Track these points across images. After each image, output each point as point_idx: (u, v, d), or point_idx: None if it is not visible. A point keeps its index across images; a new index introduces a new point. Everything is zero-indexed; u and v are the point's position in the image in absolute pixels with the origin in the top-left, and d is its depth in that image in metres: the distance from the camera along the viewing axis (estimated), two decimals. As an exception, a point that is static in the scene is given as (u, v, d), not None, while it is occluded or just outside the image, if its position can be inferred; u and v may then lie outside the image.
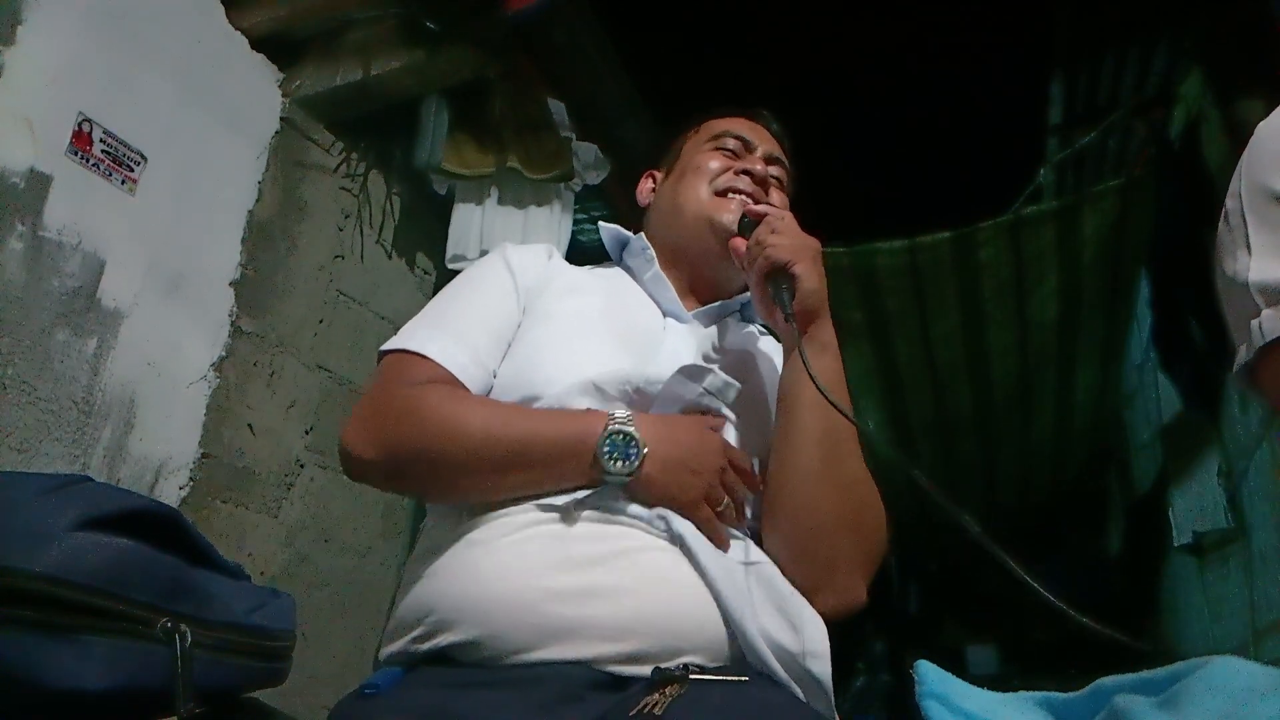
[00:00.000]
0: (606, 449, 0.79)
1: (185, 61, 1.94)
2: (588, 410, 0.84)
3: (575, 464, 0.80)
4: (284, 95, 2.20)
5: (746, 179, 1.03)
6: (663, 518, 0.80)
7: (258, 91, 2.15)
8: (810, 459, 0.84)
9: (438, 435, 0.81)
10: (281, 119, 2.18)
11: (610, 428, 0.80)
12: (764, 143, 1.09)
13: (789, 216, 0.95)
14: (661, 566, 0.77)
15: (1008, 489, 4.50)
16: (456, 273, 2.36)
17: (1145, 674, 0.50)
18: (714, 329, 1.03)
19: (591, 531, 0.79)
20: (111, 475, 1.73)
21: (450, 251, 2.39)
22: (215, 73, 2.02)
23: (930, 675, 0.58)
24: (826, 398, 0.79)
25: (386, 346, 0.92)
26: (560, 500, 0.80)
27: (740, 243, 0.95)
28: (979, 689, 0.58)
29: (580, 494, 0.80)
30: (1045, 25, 2.65)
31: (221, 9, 2.06)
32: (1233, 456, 2.78)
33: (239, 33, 2.10)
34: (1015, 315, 3.02)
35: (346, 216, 2.36)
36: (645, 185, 1.16)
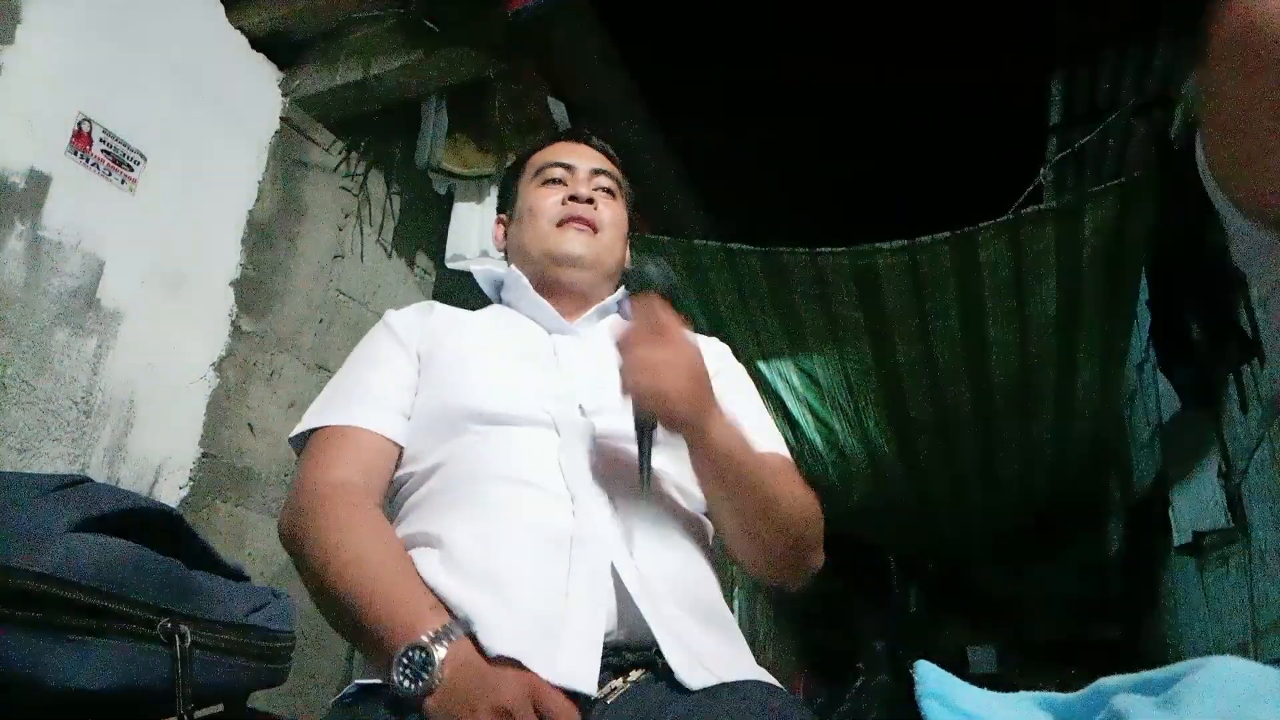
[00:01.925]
0: (399, 667, 0.71)
1: (185, 61, 1.94)
2: (432, 609, 0.76)
3: (380, 652, 0.74)
4: (284, 95, 2.20)
5: (574, 204, 1.08)
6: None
7: (258, 91, 2.15)
8: (734, 525, 0.92)
9: (310, 563, 0.84)
10: (281, 119, 2.18)
11: (402, 650, 0.72)
12: (584, 159, 1.14)
13: (645, 344, 0.85)
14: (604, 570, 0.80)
15: (1008, 488, 4.50)
16: (457, 273, 2.35)
17: (1145, 674, 0.50)
18: (598, 332, 1.07)
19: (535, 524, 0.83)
20: (111, 475, 1.73)
21: (450, 251, 2.39)
22: (215, 73, 2.02)
23: (930, 675, 0.58)
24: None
25: (295, 432, 0.97)
26: (512, 526, 0.83)
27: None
28: (979, 689, 0.58)
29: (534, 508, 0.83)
30: (1045, 25, 2.65)
31: (221, 9, 2.06)
32: (1233, 456, 2.78)
33: (239, 33, 2.10)
34: (1015, 315, 3.02)
35: (346, 216, 2.36)
36: (498, 232, 1.20)
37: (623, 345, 0.85)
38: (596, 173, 1.13)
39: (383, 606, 0.75)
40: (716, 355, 1.10)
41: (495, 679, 0.69)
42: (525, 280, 1.08)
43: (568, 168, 1.12)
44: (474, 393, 0.92)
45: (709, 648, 0.79)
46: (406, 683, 0.69)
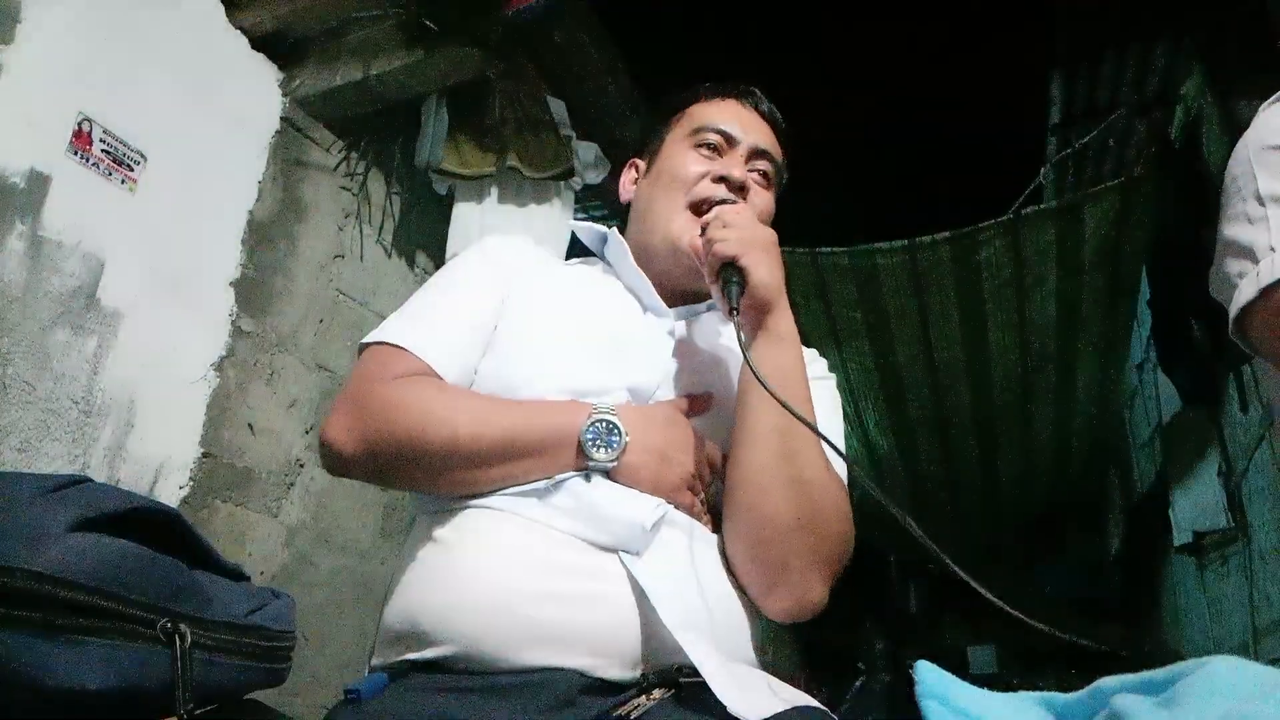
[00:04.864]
0: (590, 436, 0.81)
1: (185, 61, 1.94)
2: (570, 401, 0.85)
3: (560, 453, 0.81)
4: (284, 95, 2.20)
5: (723, 187, 0.98)
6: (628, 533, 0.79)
7: (258, 91, 2.15)
8: (763, 456, 0.82)
9: (422, 429, 0.81)
10: (281, 119, 2.18)
11: (593, 417, 0.82)
12: (750, 133, 1.02)
13: (743, 208, 0.94)
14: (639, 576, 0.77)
15: (1008, 488, 4.50)
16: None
17: (1145, 674, 0.50)
18: (692, 325, 1.00)
19: (568, 535, 0.79)
20: (111, 475, 1.73)
21: (450, 251, 2.39)
22: (215, 73, 2.02)
23: (930, 675, 0.58)
24: (773, 395, 0.77)
25: (367, 339, 0.92)
26: (537, 498, 0.81)
27: (699, 243, 0.92)
28: (978, 689, 0.58)
29: (560, 477, 0.81)
30: (1045, 25, 2.65)
31: (221, 9, 2.06)
32: (1233, 456, 2.78)
33: (239, 33, 2.10)
34: (1015, 315, 3.03)
35: (346, 216, 2.36)
36: (627, 178, 1.10)
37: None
38: (758, 153, 1.01)
39: (542, 417, 0.82)
40: (810, 357, 1.02)
41: (652, 410, 0.86)
42: (627, 249, 1.00)
43: (728, 138, 1.00)
44: (536, 391, 0.86)
45: (747, 673, 0.76)
46: (602, 450, 0.80)
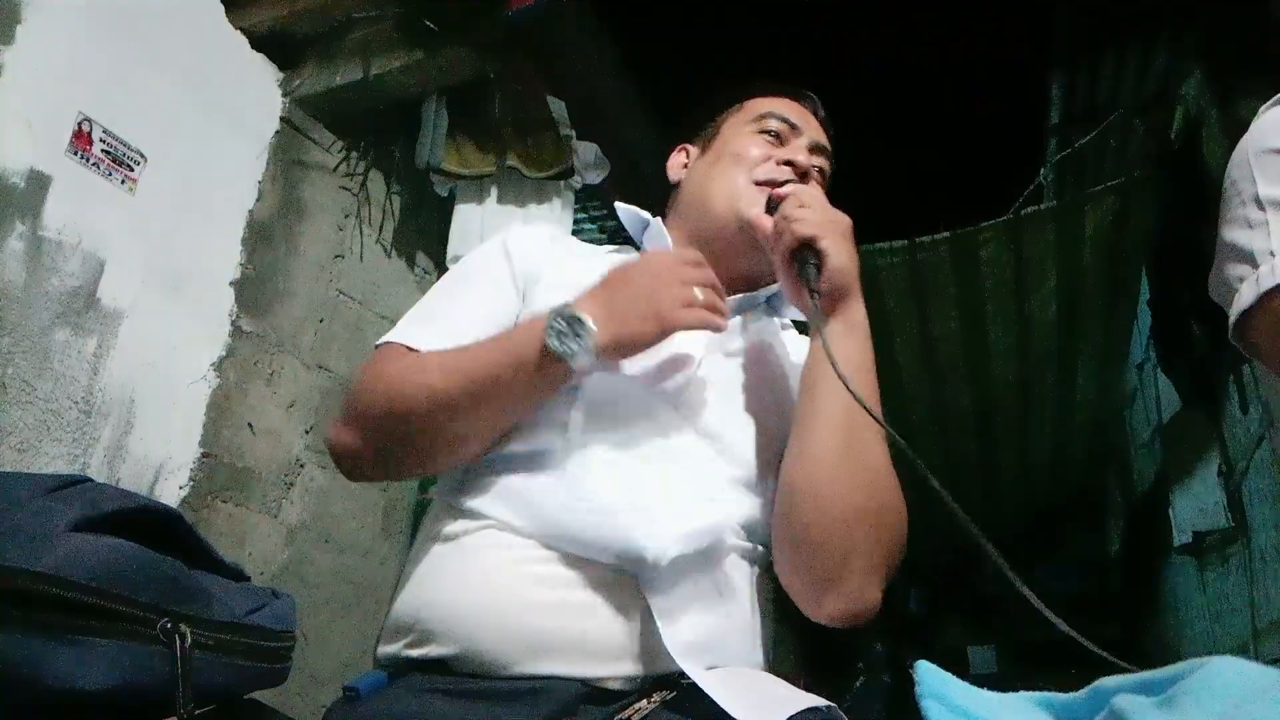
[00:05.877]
0: (553, 331, 0.75)
1: (185, 61, 1.94)
2: (530, 319, 0.81)
3: (534, 368, 0.76)
4: (284, 95, 2.20)
5: (788, 170, 0.95)
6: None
7: (258, 91, 2.15)
8: (828, 445, 0.78)
9: (400, 388, 0.80)
10: (281, 119, 2.18)
11: (552, 313, 0.77)
12: (810, 128, 1.01)
13: (818, 191, 0.91)
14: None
15: (1008, 488, 4.50)
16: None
17: (1145, 674, 0.50)
18: (734, 322, 0.95)
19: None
20: (111, 475, 1.73)
21: (450, 251, 2.39)
22: (215, 73, 2.02)
23: (930, 675, 0.58)
24: (846, 385, 0.74)
25: (380, 341, 0.90)
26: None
27: (766, 220, 0.90)
28: (979, 689, 0.57)
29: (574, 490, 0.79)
30: (1045, 25, 2.65)
31: (221, 9, 2.06)
32: (1233, 456, 2.77)
33: (239, 33, 2.10)
34: (1015, 315, 3.03)
35: (346, 216, 2.36)
36: (677, 160, 1.07)
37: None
38: (818, 149, 1.00)
39: (507, 336, 0.79)
40: None
41: (640, 261, 0.81)
42: (668, 241, 0.97)
43: (793, 128, 0.99)
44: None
45: (757, 678, 0.76)
46: (572, 344, 0.73)
